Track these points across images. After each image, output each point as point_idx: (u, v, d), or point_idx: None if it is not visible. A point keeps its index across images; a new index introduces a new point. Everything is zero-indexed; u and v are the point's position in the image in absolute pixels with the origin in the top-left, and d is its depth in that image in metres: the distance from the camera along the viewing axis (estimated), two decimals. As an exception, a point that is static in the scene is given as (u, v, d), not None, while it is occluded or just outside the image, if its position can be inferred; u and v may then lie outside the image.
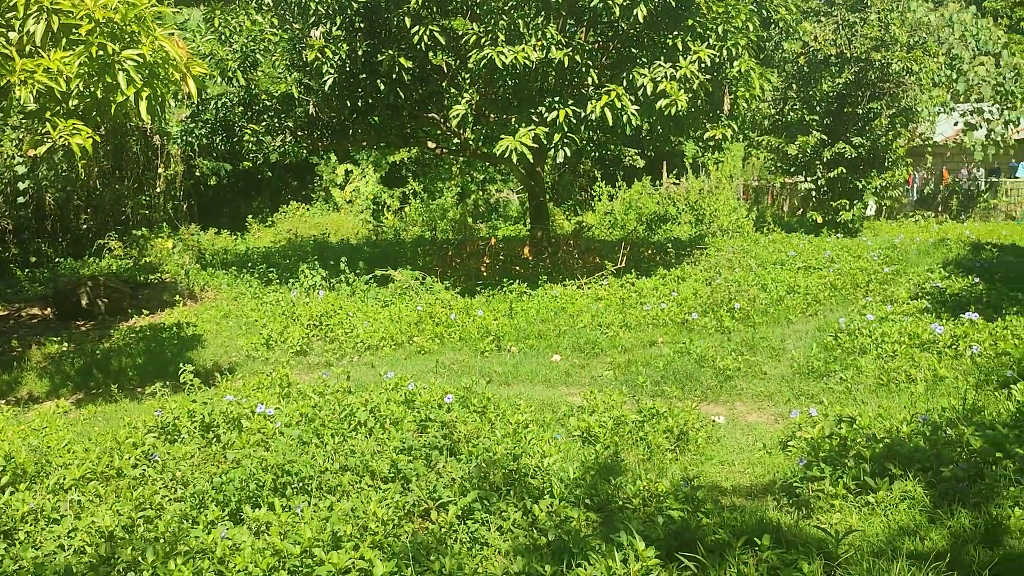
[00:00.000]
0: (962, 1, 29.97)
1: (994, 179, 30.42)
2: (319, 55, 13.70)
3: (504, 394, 8.58)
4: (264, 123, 16.35)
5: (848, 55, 21.55)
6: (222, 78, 15.04)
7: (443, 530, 4.82)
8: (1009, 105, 27.39)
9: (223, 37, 14.86)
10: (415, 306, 13.07)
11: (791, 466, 6.22)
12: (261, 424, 6.76)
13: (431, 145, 18.04)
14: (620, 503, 5.49)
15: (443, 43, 13.37)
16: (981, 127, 27.90)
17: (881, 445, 5.98)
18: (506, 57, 12.16)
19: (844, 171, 21.85)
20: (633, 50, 13.99)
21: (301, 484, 5.50)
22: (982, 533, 4.72)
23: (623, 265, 15.89)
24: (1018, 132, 28.21)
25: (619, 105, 12.39)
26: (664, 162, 29.92)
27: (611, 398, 7.83)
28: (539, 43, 12.57)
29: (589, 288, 14.50)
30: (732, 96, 13.90)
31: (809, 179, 23.07)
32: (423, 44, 13.18)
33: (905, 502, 5.19)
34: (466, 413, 7.09)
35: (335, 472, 5.62)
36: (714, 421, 7.64)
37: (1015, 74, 27.30)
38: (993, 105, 27.48)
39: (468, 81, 14.22)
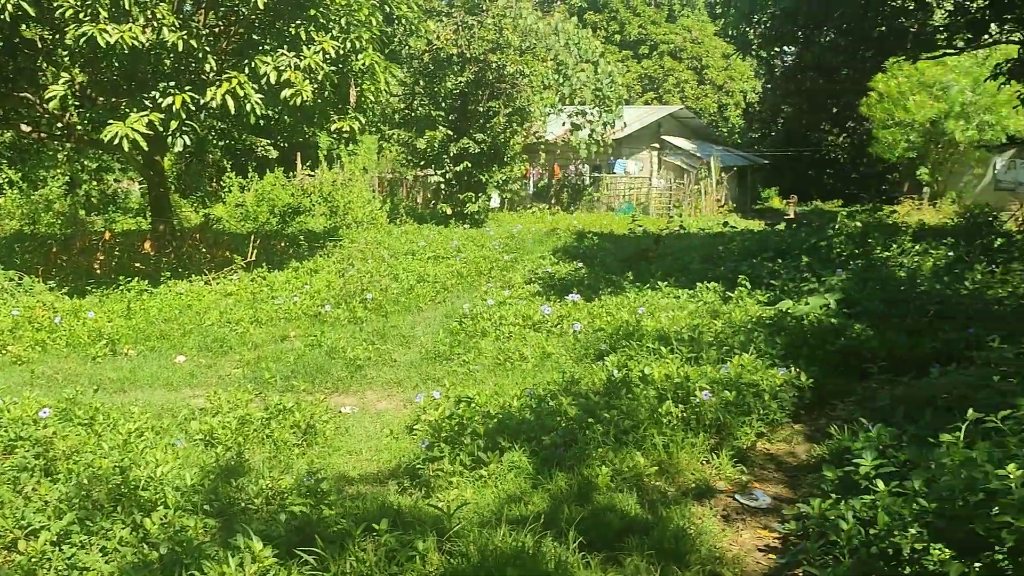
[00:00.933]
0: (566, 12, 33.15)
1: (597, 175, 34.18)
2: None
3: (117, 402, 7.89)
4: None
5: (468, 55, 22.82)
6: None
7: (32, 560, 4.30)
8: (606, 108, 30.96)
9: None
10: (10, 310, 11.51)
11: (415, 449, 6.45)
12: None
13: (27, 129, 15.97)
14: (243, 505, 5.30)
15: (33, 15, 11.86)
16: (585, 127, 31.22)
17: (495, 421, 6.41)
18: (110, 36, 11.11)
19: (469, 165, 23.14)
20: (255, 37, 13.56)
21: None
22: (575, 492, 5.25)
23: (254, 259, 15.39)
24: (615, 132, 31.96)
25: (242, 93, 11.94)
26: (298, 153, 29.44)
27: (237, 397, 7.54)
28: (150, 23, 11.67)
29: (218, 283, 13.84)
30: (358, 89, 14.04)
31: (438, 172, 24.12)
32: (7, 14, 11.58)
33: (513, 471, 5.62)
34: (68, 427, 6.39)
35: None
36: (342, 411, 7.69)
37: (610, 80, 30.90)
38: (594, 108, 30.88)
39: (68, 59, 12.80)
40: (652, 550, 4.47)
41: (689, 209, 31.72)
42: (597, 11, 51.98)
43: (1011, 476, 3.33)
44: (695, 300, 10.73)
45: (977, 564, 3.37)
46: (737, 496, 5.50)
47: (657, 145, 36.08)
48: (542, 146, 31.98)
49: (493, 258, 15.92)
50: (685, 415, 6.18)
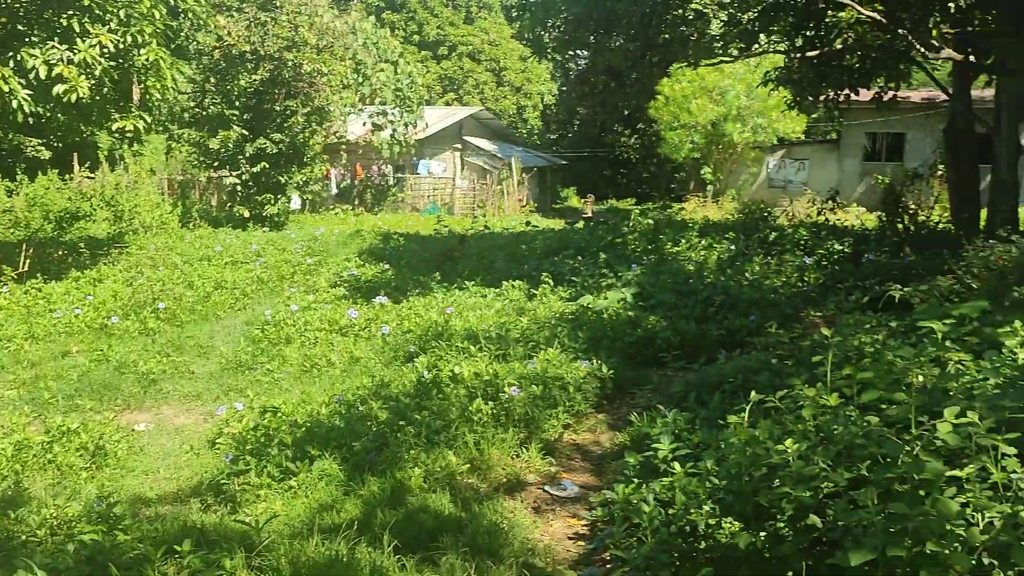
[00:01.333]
0: (363, 11, 32.79)
1: (401, 175, 34.05)
2: None
3: None
4: None
5: (262, 53, 22.03)
6: None
7: None
8: (408, 108, 30.90)
9: None
10: None
11: (219, 464, 6.17)
12: None
13: None
14: (24, 538, 4.85)
15: None
16: (387, 127, 31.00)
17: (303, 429, 6.24)
18: None
19: (267, 166, 22.34)
20: (20, 28, 12.40)
21: None
22: (389, 496, 5.21)
23: (27, 269, 14.08)
24: (417, 133, 31.96)
25: (6, 88, 10.92)
26: (75, 154, 27.25)
27: (12, 421, 6.88)
28: None
29: (-15, 298, 12.56)
30: (142, 86, 13.21)
31: (234, 173, 23.11)
32: None
33: (324, 480, 5.49)
34: None
35: None
36: (135, 429, 7.21)
37: (410, 81, 30.87)
38: (395, 108, 30.71)
39: None
40: (467, 547, 4.51)
41: (493, 209, 32.27)
42: (395, 11, 51.78)
43: (788, 451, 3.62)
44: (501, 298, 10.94)
45: (763, 533, 3.64)
46: (547, 487, 5.66)
47: (459, 146, 36.44)
48: (343, 146, 31.45)
49: (296, 262, 15.48)
50: (495, 411, 6.29)
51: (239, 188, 23.24)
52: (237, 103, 22.66)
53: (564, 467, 6.07)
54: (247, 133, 22.31)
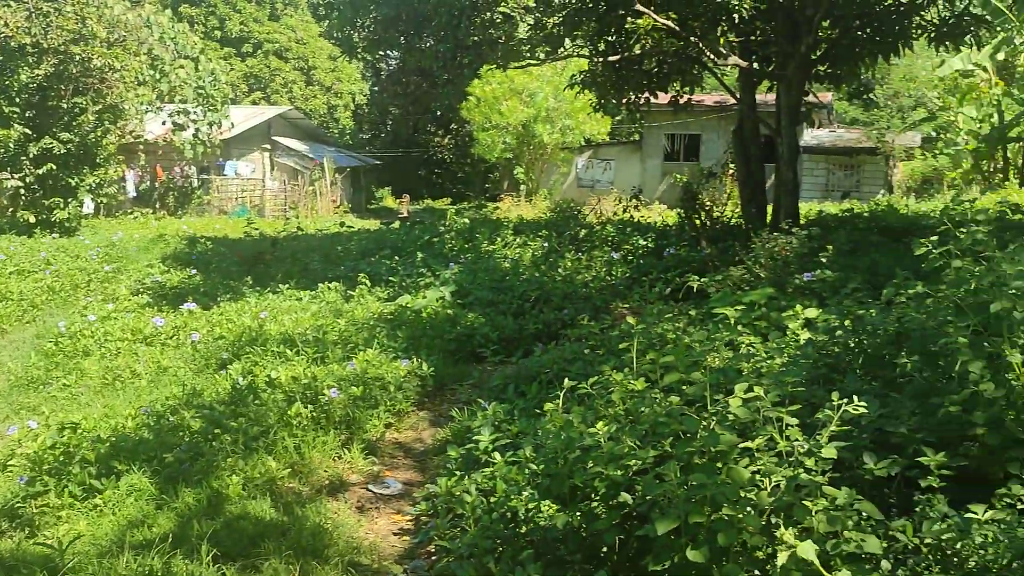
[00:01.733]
0: (159, 4, 31.08)
1: (206, 177, 32.60)
2: None
3: None
4: None
5: (45, 46, 20.43)
6: None
7: None
8: (211, 107, 29.58)
9: None
10: None
11: (12, 487, 5.72)
12: None
13: None
14: None
15: None
16: (189, 127, 29.53)
17: (107, 445, 5.89)
18: None
19: (55, 168, 20.74)
20: None
21: None
22: (206, 506, 5.03)
23: None
24: (222, 132, 30.69)
25: None
26: None
27: None
28: None
29: None
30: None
31: (15, 176, 21.29)
32: None
33: (133, 495, 5.22)
34: None
35: None
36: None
37: (213, 78, 29.57)
38: (197, 106, 29.32)
39: None
40: (290, 550, 4.45)
41: (306, 210, 31.53)
42: (194, 5, 49.40)
43: (600, 433, 3.83)
44: (318, 301, 10.76)
45: (578, 513, 3.84)
46: (370, 486, 5.66)
47: (268, 146, 35.34)
48: (141, 146, 29.71)
49: (91, 269, 14.50)
50: (315, 415, 6.21)
51: (23, 191, 21.40)
52: (17, 99, 20.86)
53: (387, 465, 6.09)
54: (30, 132, 20.60)
